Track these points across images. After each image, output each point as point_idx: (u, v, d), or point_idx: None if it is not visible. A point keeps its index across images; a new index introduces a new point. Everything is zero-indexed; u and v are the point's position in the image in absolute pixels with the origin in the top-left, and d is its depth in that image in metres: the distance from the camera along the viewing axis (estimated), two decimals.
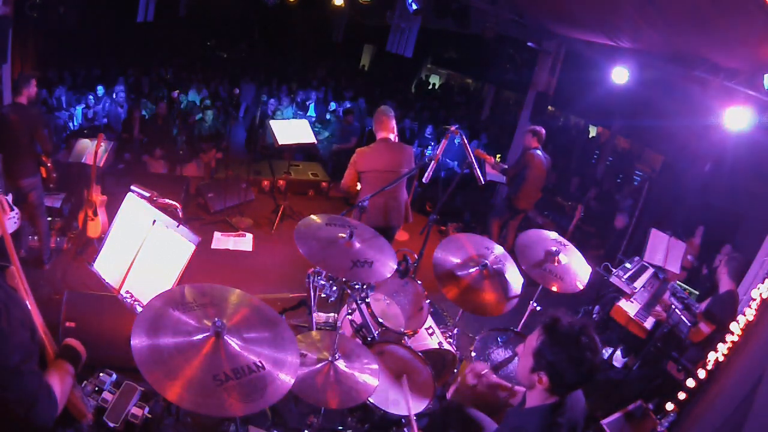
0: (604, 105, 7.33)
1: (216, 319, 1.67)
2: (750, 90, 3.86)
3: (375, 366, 2.37)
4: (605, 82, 5.48)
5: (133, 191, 2.58)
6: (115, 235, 2.56)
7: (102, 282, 2.51)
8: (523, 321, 3.24)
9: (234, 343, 1.67)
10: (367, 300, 2.92)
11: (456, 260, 2.90)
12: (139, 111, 6.97)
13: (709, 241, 5.80)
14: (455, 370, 3.07)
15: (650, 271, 4.70)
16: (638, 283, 4.38)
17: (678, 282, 4.82)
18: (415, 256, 3.39)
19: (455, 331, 3.38)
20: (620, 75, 5.29)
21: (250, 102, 9.72)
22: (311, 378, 2.21)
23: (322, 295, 2.99)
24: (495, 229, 5.76)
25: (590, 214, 6.60)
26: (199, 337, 1.64)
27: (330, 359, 2.30)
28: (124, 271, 2.43)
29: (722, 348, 3.03)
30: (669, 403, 3.07)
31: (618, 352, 4.36)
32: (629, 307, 4.11)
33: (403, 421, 2.52)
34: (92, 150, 4.37)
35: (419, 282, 3.24)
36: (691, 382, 2.99)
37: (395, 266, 2.53)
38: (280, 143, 5.60)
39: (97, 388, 2.40)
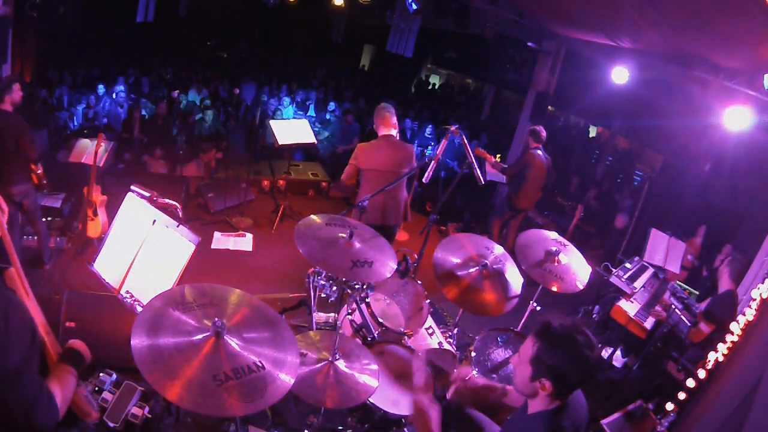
0: (604, 105, 7.33)
1: (216, 319, 1.67)
2: (750, 90, 3.86)
3: (375, 366, 2.37)
4: (605, 82, 5.48)
5: (133, 191, 2.58)
6: (115, 235, 2.56)
7: (102, 282, 2.50)
8: (523, 321, 3.24)
9: (234, 343, 1.67)
10: (367, 300, 2.92)
11: (456, 260, 2.90)
12: (139, 111, 6.96)
13: (709, 241, 5.80)
14: (455, 370, 3.07)
15: (650, 271, 4.70)
16: (638, 283, 4.38)
17: (678, 282, 4.82)
18: (415, 256, 3.39)
19: (455, 331, 3.38)
20: (620, 75, 5.29)
21: (250, 102, 9.72)
22: (311, 378, 2.21)
23: (322, 295, 2.99)
24: (495, 229, 5.76)
25: (590, 214, 6.60)
26: (199, 337, 1.64)
27: (330, 359, 2.30)
28: (124, 271, 2.43)
29: (722, 348, 3.03)
30: (669, 403, 3.07)
31: (618, 352, 4.36)
32: (629, 307, 4.11)
33: (403, 421, 2.52)
34: (92, 150, 4.36)
35: (419, 282, 3.24)
36: (691, 382, 2.99)
37: (395, 266, 2.53)
38: (280, 143, 5.60)
39: (97, 388, 2.40)
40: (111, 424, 2.30)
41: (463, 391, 2.27)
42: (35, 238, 4.29)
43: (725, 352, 3.01)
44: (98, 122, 7.28)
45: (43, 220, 4.61)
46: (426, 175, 3.34)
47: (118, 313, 2.91)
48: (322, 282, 2.93)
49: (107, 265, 2.52)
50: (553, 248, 2.97)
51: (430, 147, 7.76)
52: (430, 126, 8.49)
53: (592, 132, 12.35)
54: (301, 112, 9.01)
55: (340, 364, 2.31)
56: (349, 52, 14.82)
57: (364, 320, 2.93)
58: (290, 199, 6.21)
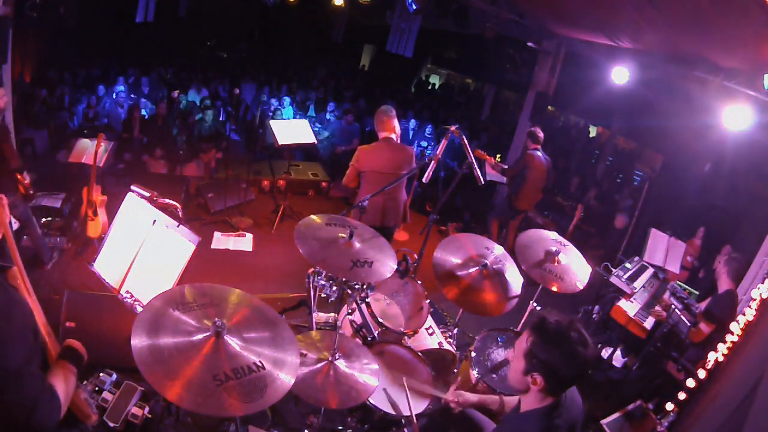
0: (604, 105, 7.32)
1: (216, 319, 1.67)
2: (750, 90, 3.85)
3: (375, 366, 2.37)
4: (605, 82, 5.47)
5: (133, 191, 2.59)
6: (115, 235, 2.56)
7: (102, 282, 2.51)
8: (523, 321, 3.24)
9: (234, 343, 1.67)
10: (367, 300, 2.92)
11: (456, 260, 2.90)
12: (139, 111, 6.97)
13: (709, 241, 5.80)
14: (455, 370, 3.07)
15: (650, 271, 4.70)
16: (638, 283, 4.38)
17: (678, 282, 4.82)
18: (415, 256, 3.40)
19: (455, 331, 3.38)
20: (620, 75, 5.29)
21: (250, 102, 9.73)
22: (311, 378, 2.21)
23: (322, 295, 2.99)
24: (495, 229, 5.77)
25: (590, 214, 6.60)
26: (199, 337, 1.64)
27: (330, 359, 2.30)
28: (124, 271, 2.43)
29: (722, 348, 3.03)
30: (669, 403, 3.07)
31: (618, 352, 4.36)
32: (629, 307, 4.11)
33: (403, 421, 2.52)
34: (92, 150, 4.36)
35: (419, 282, 3.24)
36: (691, 382, 2.99)
37: (395, 266, 2.53)
38: (280, 143, 5.60)
39: (97, 388, 2.40)
40: (111, 424, 2.30)
41: (467, 389, 2.29)
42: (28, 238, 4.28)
43: (725, 352, 3.01)
44: (98, 122, 7.28)
45: (43, 220, 4.62)
46: (426, 175, 3.34)
47: (118, 313, 2.91)
48: (322, 282, 2.93)
49: (107, 265, 2.52)
50: (553, 248, 2.97)
51: (429, 147, 7.77)
52: (430, 126, 8.50)
53: (592, 132, 12.35)
54: (301, 112, 9.01)
55: (340, 364, 2.31)
56: (349, 52, 14.82)
57: (364, 320, 2.93)
58: (290, 199, 6.21)
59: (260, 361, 1.65)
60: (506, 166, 5.50)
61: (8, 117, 4.69)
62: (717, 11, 3.00)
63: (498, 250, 3.07)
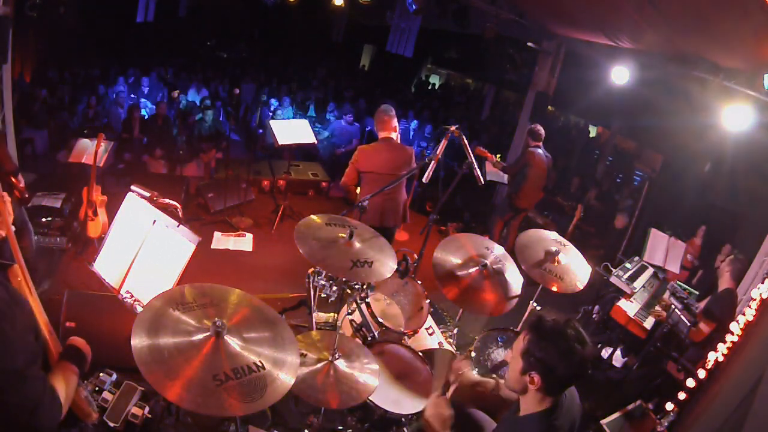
0: (604, 105, 7.32)
1: (216, 319, 1.67)
2: (749, 90, 3.85)
3: (375, 366, 2.37)
4: (605, 82, 5.48)
5: (133, 191, 2.58)
6: (115, 235, 2.56)
7: (102, 282, 2.51)
8: (523, 321, 3.23)
9: (234, 343, 1.67)
10: (367, 300, 2.92)
11: (456, 260, 2.90)
12: (139, 111, 6.97)
13: (709, 241, 5.80)
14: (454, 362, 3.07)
15: (650, 271, 4.70)
16: (638, 283, 4.38)
17: (678, 282, 4.82)
18: (415, 256, 3.39)
19: (455, 331, 3.38)
20: (620, 75, 5.29)
21: (250, 102, 9.73)
22: (311, 378, 2.21)
23: (322, 295, 2.99)
24: (495, 228, 5.76)
25: (590, 214, 6.60)
26: (199, 337, 1.64)
27: (330, 359, 2.30)
28: (124, 271, 2.43)
29: (722, 348, 3.03)
30: (669, 403, 3.07)
31: (618, 352, 4.36)
32: (629, 307, 4.11)
33: (403, 420, 2.52)
34: (92, 150, 4.36)
35: (419, 282, 3.24)
36: (691, 382, 3.00)
37: (395, 266, 2.53)
38: (280, 143, 5.60)
39: (97, 388, 2.40)
40: (111, 424, 2.30)
41: (459, 386, 2.28)
42: (35, 238, 4.27)
43: (725, 351, 3.01)
44: (98, 122, 7.28)
45: (43, 220, 4.61)
46: (426, 175, 3.34)
47: (118, 313, 2.90)
48: (322, 282, 2.93)
49: (107, 265, 2.52)
50: (553, 248, 2.97)
51: (429, 148, 7.77)
52: (429, 126, 8.50)
53: (592, 132, 12.35)
54: (301, 112, 9.01)
55: (340, 364, 2.31)
56: (349, 52, 14.83)
57: (364, 320, 2.93)
58: (290, 199, 6.21)
59: (260, 361, 1.65)
60: (507, 165, 5.50)
61: (8, 117, 4.70)
62: (717, 11, 3.00)
63: (498, 250, 3.07)
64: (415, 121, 9.00)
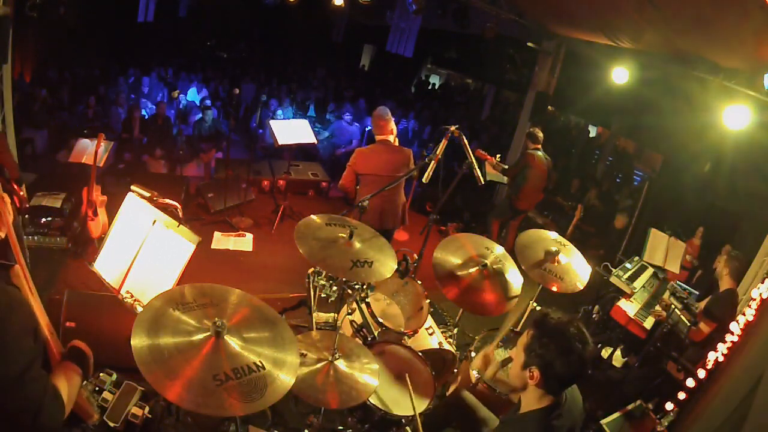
0: (604, 105, 7.33)
1: (216, 319, 1.67)
2: (749, 90, 3.86)
3: (375, 366, 2.37)
4: (605, 82, 5.48)
5: (133, 191, 2.58)
6: (115, 235, 2.56)
7: (102, 282, 2.51)
8: (522, 321, 3.24)
9: (234, 343, 1.67)
10: (367, 300, 2.92)
11: (456, 260, 2.90)
12: (139, 111, 6.97)
13: (708, 241, 5.80)
14: (455, 370, 3.07)
15: (650, 271, 4.70)
16: (638, 283, 4.38)
17: (678, 282, 4.82)
18: (415, 256, 3.39)
19: (455, 331, 3.38)
20: (620, 75, 5.29)
21: (250, 102, 9.73)
22: (311, 378, 2.21)
23: (322, 295, 2.99)
24: (495, 228, 5.76)
25: (590, 214, 6.60)
26: (199, 337, 1.64)
27: (330, 359, 2.30)
28: (124, 271, 2.43)
29: (722, 348, 3.03)
30: (669, 402, 3.07)
31: (618, 352, 4.36)
32: (629, 307, 4.11)
33: (403, 420, 2.52)
34: (92, 150, 4.36)
35: (419, 282, 3.24)
36: (691, 382, 3.00)
37: (395, 266, 2.53)
38: (280, 143, 5.60)
39: (97, 388, 2.40)
40: (111, 424, 2.30)
41: (468, 388, 2.29)
42: (35, 238, 4.28)
43: (725, 351, 3.01)
44: (98, 122, 7.28)
45: (43, 220, 4.61)
46: (426, 175, 3.34)
47: (118, 313, 2.90)
48: (322, 282, 2.93)
49: (107, 265, 2.52)
50: (553, 248, 2.97)
51: (428, 148, 7.76)
52: (429, 128, 8.50)
53: (592, 132, 12.35)
54: (301, 112, 9.01)
55: (340, 364, 2.31)
56: (349, 52, 14.82)
57: (364, 320, 2.93)
58: (290, 199, 6.21)
59: (260, 361, 1.65)
60: (507, 167, 5.49)
61: (8, 117, 4.70)
62: (717, 11, 3.01)
63: (498, 250, 3.07)
64: (413, 122, 8.99)
